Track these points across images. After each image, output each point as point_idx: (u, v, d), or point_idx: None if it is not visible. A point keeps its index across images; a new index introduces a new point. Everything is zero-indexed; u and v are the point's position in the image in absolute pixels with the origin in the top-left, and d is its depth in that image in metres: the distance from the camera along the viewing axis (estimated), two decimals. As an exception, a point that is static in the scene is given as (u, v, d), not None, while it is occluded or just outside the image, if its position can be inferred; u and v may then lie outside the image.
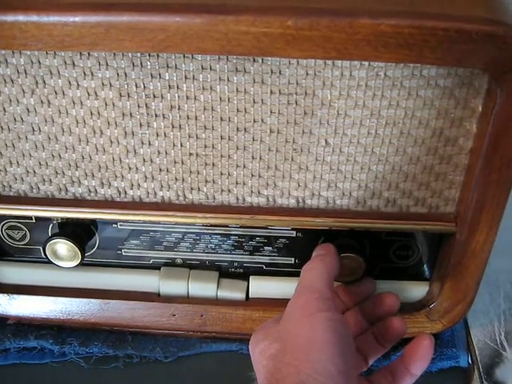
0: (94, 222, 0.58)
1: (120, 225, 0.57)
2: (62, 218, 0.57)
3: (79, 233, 0.57)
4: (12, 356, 0.61)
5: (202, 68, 0.46)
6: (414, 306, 0.59)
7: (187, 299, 0.60)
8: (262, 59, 0.45)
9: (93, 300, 0.60)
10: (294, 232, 0.57)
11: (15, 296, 0.61)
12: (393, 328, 0.54)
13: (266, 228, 0.57)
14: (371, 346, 0.54)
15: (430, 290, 0.59)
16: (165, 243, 0.59)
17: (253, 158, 0.51)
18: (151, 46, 0.42)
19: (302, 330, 0.44)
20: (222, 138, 0.50)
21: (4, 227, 0.59)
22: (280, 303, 0.58)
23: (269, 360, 0.45)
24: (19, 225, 0.58)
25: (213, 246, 0.59)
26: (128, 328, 0.62)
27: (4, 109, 0.49)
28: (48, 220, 0.58)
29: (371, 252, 0.57)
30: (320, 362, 0.42)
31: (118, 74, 0.47)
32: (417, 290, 0.60)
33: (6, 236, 0.59)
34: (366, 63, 0.46)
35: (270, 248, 0.58)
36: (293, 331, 0.45)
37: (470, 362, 0.60)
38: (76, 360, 0.60)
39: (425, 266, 0.59)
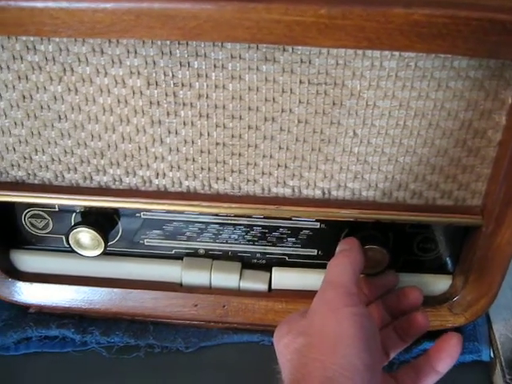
0: (116, 211, 0.58)
1: (143, 214, 0.57)
2: (86, 207, 0.57)
3: (102, 222, 0.57)
4: (34, 345, 0.61)
5: (232, 57, 0.46)
6: (436, 300, 0.59)
7: (209, 290, 0.60)
8: (292, 48, 0.45)
9: (115, 289, 0.60)
10: (318, 223, 0.57)
11: (37, 285, 0.61)
12: (416, 323, 0.54)
13: (290, 219, 0.57)
14: (392, 340, 0.54)
15: (453, 283, 0.59)
16: (188, 233, 0.58)
17: (280, 148, 0.50)
18: (182, 33, 0.42)
19: (328, 325, 0.44)
20: (249, 127, 0.49)
21: (27, 216, 0.59)
22: (303, 295, 0.59)
23: (293, 354, 0.45)
24: (42, 213, 0.58)
25: (236, 236, 0.58)
26: (150, 318, 0.61)
27: (31, 96, 0.49)
28: (71, 209, 0.58)
29: (395, 244, 0.57)
30: (346, 357, 0.42)
31: (146, 62, 0.47)
32: (440, 284, 0.59)
33: (28, 224, 0.59)
34: (397, 54, 0.45)
35: (294, 239, 0.58)
36: (318, 326, 0.45)
37: (492, 356, 0.60)
38: (97, 349, 0.60)
39: (448, 259, 0.59)
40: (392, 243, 0.57)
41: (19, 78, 0.48)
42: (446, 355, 0.50)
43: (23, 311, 0.63)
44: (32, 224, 0.59)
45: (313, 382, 0.41)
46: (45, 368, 0.60)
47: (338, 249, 0.53)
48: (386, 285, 0.58)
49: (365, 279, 0.57)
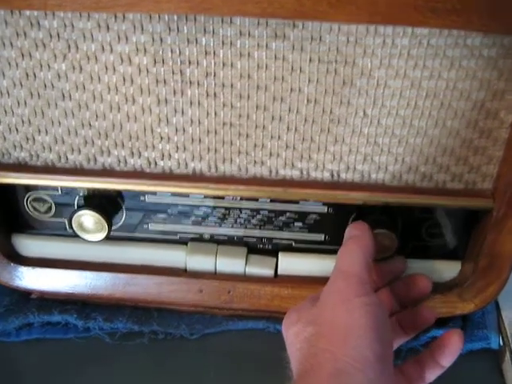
0: (120, 194, 0.57)
1: (148, 197, 0.56)
2: (89, 190, 0.56)
3: (106, 205, 0.56)
4: (36, 331, 0.60)
5: (241, 34, 0.45)
6: (445, 286, 0.58)
7: (214, 275, 0.59)
8: (303, 24, 0.44)
9: (118, 274, 0.59)
10: (326, 208, 0.56)
11: (39, 270, 0.60)
12: (421, 316, 0.53)
13: (297, 203, 0.56)
14: (395, 332, 0.53)
15: (462, 269, 0.58)
16: (193, 218, 0.57)
17: (288, 129, 0.49)
18: (189, 6, 0.41)
19: (339, 316, 0.43)
20: (257, 107, 0.48)
21: (29, 199, 0.58)
22: (309, 281, 0.58)
23: (303, 343, 0.44)
24: (45, 197, 0.57)
25: (242, 220, 0.57)
26: (153, 304, 0.60)
27: (34, 74, 0.48)
28: (74, 192, 0.57)
29: (403, 230, 0.56)
30: (357, 349, 0.41)
31: (153, 39, 0.46)
32: (449, 270, 0.58)
33: (31, 208, 0.58)
34: (410, 31, 0.44)
35: (300, 224, 0.57)
36: (329, 316, 0.44)
37: (501, 343, 0.59)
38: (100, 335, 0.59)
39: (457, 244, 0.58)
40: (401, 228, 0.56)
41: (22, 55, 0.47)
42: (449, 352, 0.49)
43: (25, 297, 0.62)
44: (34, 208, 0.58)
45: (322, 372, 0.40)
46: (47, 354, 0.59)
47: (347, 234, 0.52)
48: (394, 271, 0.57)
49: (375, 265, 0.55)
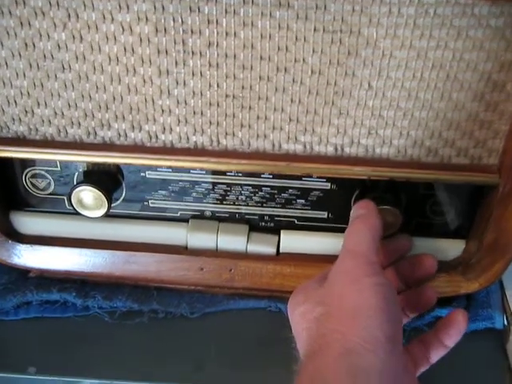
0: (120, 170, 0.56)
1: (148, 173, 0.56)
2: (89, 166, 0.55)
3: (106, 181, 0.55)
4: (34, 309, 0.59)
5: (244, 2, 0.44)
6: (449, 265, 0.57)
7: (216, 253, 0.58)
8: (308, -8, 0.43)
9: (118, 252, 0.58)
10: (329, 184, 0.55)
11: (38, 247, 0.59)
12: (424, 297, 0.53)
13: (300, 179, 0.55)
14: None
15: (466, 247, 0.57)
16: (194, 194, 0.57)
17: (292, 100, 0.49)
18: (193, -28, 0.40)
19: (349, 296, 0.43)
20: (260, 78, 0.48)
21: (28, 175, 0.57)
22: (312, 259, 0.57)
23: (311, 323, 0.43)
24: (43, 173, 0.57)
25: (243, 197, 0.57)
26: (153, 283, 0.60)
27: (34, 44, 0.47)
28: (73, 168, 0.56)
29: (407, 207, 0.55)
30: (368, 329, 0.40)
31: (155, 8, 0.45)
32: (453, 248, 0.58)
33: (29, 185, 0.57)
34: (416, -1, 0.43)
35: (303, 201, 0.56)
36: (338, 296, 0.43)
37: (505, 323, 0.58)
38: (100, 314, 0.58)
39: (462, 222, 0.57)
40: (404, 205, 0.55)
41: (21, 24, 0.46)
42: (453, 332, 0.49)
43: (23, 275, 0.61)
44: (33, 184, 0.57)
45: (331, 352, 0.40)
46: (45, 333, 0.58)
47: (353, 213, 0.51)
48: (400, 249, 0.56)
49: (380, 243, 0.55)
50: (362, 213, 0.50)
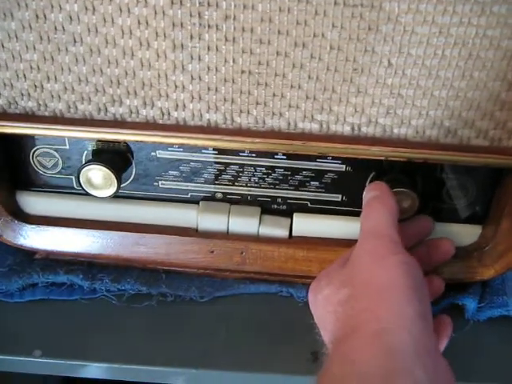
0: (130, 149, 0.55)
1: (159, 153, 0.54)
2: (98, 144, 0.54)
3: (115, 160, 0.54)
4: (40, 291, 0.58)
5: (263, -27, 0.43)
6: (465, 250, 0.56)
7: (227, 235, 0.57)
8: (329, -37, 0.42)
9: (127, 234, 0.57)
10: (344, 166, 0.54)
11: (45, 228, 0.57)
12: (432, 285, 0.52)
13: (314, 160, 0.54)
14: None
15: (483, 233, 0.56)
16: (205, 175, 0.55)
17: (309, 77, 0.47)
18: None
19: (376, 275, 0.42)
20: (277, 53, 0.46)
21: (35, 154, 0.56)
22: (325, 242, 0.56)
23: (337, 306, 0.42)
24: (51, 151, 0.55)
25: (256, 179, 0.55)
26: (162, 266, 0.59)
27: (45, 16, 0.46)
28: (82, 147, 0.55)
29: (423, 190, 0.54)
30: (398, 306, 0.39)
31: (170, -22, 0.43)
32: (469, 234, 0.57)
33: (37, 164, 0.56)
34: (440, -28, 0.42)
35: (317, 183, 0.55)
36: (365, 276, 0.42)
37: (520, 311, 0.57)
38: (107, 297, 0.57)
39: (479, 207, 0.56)
40: (420, 188, 0.54)
41: (33, -6, 0.45)
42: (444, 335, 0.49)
43: (29, 257, 0.60)
44: (40, 163, 0.56)
45: (365, 333, 0.39)
46: (51, 316, 0.57)
47: (366, 195, 0.50)
48: (421, 232, 0.55)
49: (399, 226, 0.54)
50: (377, 194, 0.49)
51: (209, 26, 0.45)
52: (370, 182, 0.54)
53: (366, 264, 0.43)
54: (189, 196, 0.57)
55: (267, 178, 0.55)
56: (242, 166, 0.55)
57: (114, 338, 0.55)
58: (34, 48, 0.48)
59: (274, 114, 0.49)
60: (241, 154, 0.54)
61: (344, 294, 0.42)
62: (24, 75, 0.49)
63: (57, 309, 0.57)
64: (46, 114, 0.51)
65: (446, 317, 0.50)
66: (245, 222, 0.56)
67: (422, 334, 0.39)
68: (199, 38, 0.46)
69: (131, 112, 0.50)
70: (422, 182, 0.54)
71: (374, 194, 0.49)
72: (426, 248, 0.53)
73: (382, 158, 0.50)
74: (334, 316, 0.42)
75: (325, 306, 0.44)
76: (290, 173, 0.55)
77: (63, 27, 0.46)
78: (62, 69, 0.49)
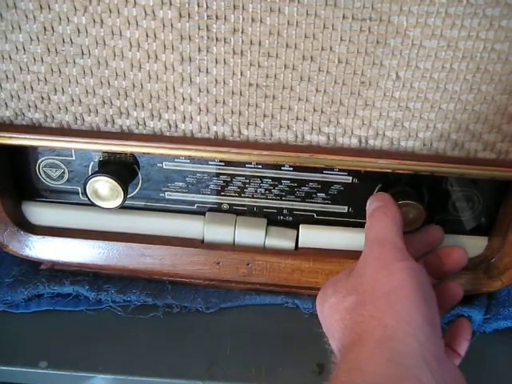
0: (136, 160, 0.55)
1: (165, 164, 0.54)
2: (104, 156, 0.54)
3: (122, 171, 0.54)
4: (45, 302, 0.58)
5: (272, -13, 0.43)
6: (471, 262, 0.56)
7: (233, 247, 0.57)
8: (338, -22, 0.42)
9: (133, 245, 0.57)
10: (350, 178, 0.54)
11: (50, 239, 0.57)
12: (449, 292, 0.51)
13: (321, 172, 0.54)
14: None
15: (489, 244, 0.56)
16: (211, 186, 0.55)
17: (317, 90, 0.47)
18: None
19: (381, 281, 0.42)
20: (285, 66, 0.46)
21: (41, 165, 0.56)
22: (331, 254, 0.56)
23: (344, 313, 0.42)
24: (58, 162, 0.55)
25: (262, 190, 0.55)
26: (168, 277, 0.59)
27: (53, 28, 0.46)
28: (89, 158, 0.55)
29: (429, 202, 0.54)
30: (405, 311, 0.39)
31: (179, -9, 0.43)
32: (475, 245, 0.57)
33: (43, 174, 0.56)
34: (449, -13, 0.42)
35: (323, 195, 0.55)
36: (370, 283, 0.42)
37: (527, 323, 0.57)
38: (113, 308, 0.57)
39: (485, 218, 0.56)
40: (427, 200, 0.54)
41: (41, 7, 0.45)
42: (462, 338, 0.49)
43: (35, 267, 0.60)
44: (46, 174, 0.56)
45: (371, 341, 0.38)
46: (56, 327, 0.57)
47: (370, 206, 0.50)
48: (430, 241, 0.54)
49: (407, 236, 0.53)
50: (380, 204, 0.49)
51: (217, 39, 0.45)
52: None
53: (372, 271, 0.43)
54: (195, 207, 0.57)
55: (273, 189, 0.55)
56: (248, 177, 0.55)
57: (120, 349, 0.55)
58: (42, 60, 0.48)
59: (281, 126, 0.49)
60: (247, 165, 0.54)
61: (351, 301, 0.42)
62: (31, 87, 0.49)
63: (62, 320, 0.57)
64: (53, 125, 0.51)
65: (465, 319, 0.50)
66: (251, 234, 0.56)
67: (429, 340, 0.38)
68: (207, 51, 0.46)
69: (138, 124, 0.50)
70: (429, 194, 0.54)
71: (377, 204, 0.49)
72: (438, 256, 0.53)
73: (389, 170, 0.50)
74: (342, 324, 0.42)
75: (332, 314, 0.44)
76: (296, 184, 0.55)
77: (71, 40, 0.46)
78: (70, 81, 0.48)
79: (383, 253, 0.44)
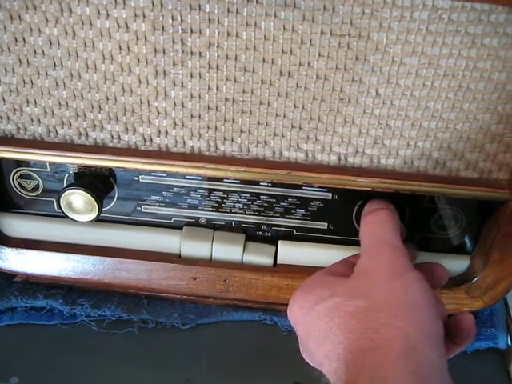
0: (112, 173, 0.53)
1: (142, 178, 0.53)
2: (79, 168, 0.53)
3: (97, 184, 0.53)
4: (19, 316, 0.57)
5: (247, 1, 0.42)
6: (453, 281, 0.55)
7: (210, 262, 0.56)
8: (315, -7, 0.41)
9: (108, 259, 0.56)
10: (330, 194, 0.53)
11: (24, 251, 0.56)
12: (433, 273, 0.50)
13: (300, 188, 0.53)
14: None
15: (471, 263, 0.55)
16: (189, 200, 0.54)
17: (295, 106, 0.46)
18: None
19: (397, 291, 0.40)
20: (262, 82, 0.45)
21: (15, 176, 0.54)
22: (310, 271, 0.54)
23: (348, 318, 0.40)
24: (32, 174, 0.54)
25: (241, 205, 0.54)
26: (144, 291, 0.57)
27: (24, 39, 0.45)
28: (64, 170, 0.53)
29: (411, 220, 0.53)
30: (425, 324, 0.39)
31: (153, 4, 0.42)
32: (457, 264, 0.56)
33: (17, 186, 0.55)
34: (430, 3, 0.41)
35: (303, 211, 0.54)
36: (383, 289, 0.41)
37: (509, 343, 0.56)
38: (87, 323, 0.56)
39: (468, 237, 0.55)
40: (408, 219, 0.53)
41: (11, 17, 0.44)
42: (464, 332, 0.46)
43: (8, 280, 0.59)
44: (21, 185, 0.55)
45: (392, 350, 0.37)
46: (30, 341, 0.56)
47: (368, 208, 0.49)
48: None
49: None
50: (384, 206, 0.48)
51: (192, 53, 0.44)
52: (358, 210, 0.53)
53: (383, 276, 0.42)
54: (172, 221, 0.56)
55: (252, 204, 0.54)
56: (226, 192, 0.54)
57: (94, 364, 0.54)
58: (13, 71, 0.46)
59: (258, 142, 0.48)
60: (225, 180, 0.53)
61: (357, 306, 0.40)
62: (3, 98, 0.48)
63: (36, 334, 0.56)
64: (26, 137, 0.50)
65: (468, 314, 0.47)
66: (229, 249, 0.55)
67: (443, 354, 0.38)
68: (182, 65, 0.45)
69: (113, 137, 0.49)
70: (410, 212, 0.53)
71: (378, 206, 0.49)
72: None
73: (369, 189, 0.49)
74: (345, 328, 0.39)
75: (330, 317, 0.41)
76: (275, 200, 0.54)
77: (43, 51, 0.45)
78: (42, 92, 0.47)
79: (395, 258, 0.42)
